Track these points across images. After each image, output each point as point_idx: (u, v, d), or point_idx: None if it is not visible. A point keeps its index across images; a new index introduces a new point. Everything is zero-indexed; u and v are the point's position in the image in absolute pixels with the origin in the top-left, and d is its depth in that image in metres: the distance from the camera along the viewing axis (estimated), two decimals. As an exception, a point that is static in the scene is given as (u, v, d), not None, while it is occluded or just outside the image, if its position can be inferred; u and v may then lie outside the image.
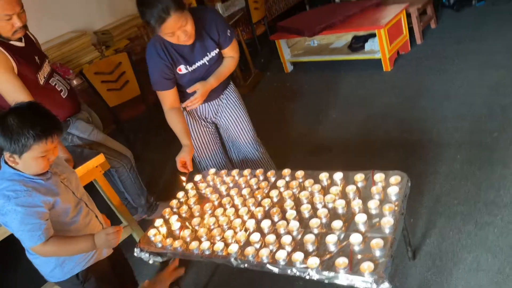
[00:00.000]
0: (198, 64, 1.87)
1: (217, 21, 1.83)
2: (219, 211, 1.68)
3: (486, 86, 2.78)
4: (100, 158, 1.98)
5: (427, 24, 3.96)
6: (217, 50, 1.89)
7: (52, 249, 1.35)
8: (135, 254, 1.70)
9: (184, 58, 1.82)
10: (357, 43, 3.76)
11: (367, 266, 1.22)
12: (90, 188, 2.00)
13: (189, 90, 1.91)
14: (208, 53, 1.86)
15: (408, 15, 3.67)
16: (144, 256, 1.67)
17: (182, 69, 1.85)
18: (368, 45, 3.68)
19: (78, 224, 1.47)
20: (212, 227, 1.62)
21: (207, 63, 1.88)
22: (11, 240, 1.79)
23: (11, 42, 1.86)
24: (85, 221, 1.50)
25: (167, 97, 1.88)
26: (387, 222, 1.33)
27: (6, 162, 1.34)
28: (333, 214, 1.48)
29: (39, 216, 1.31)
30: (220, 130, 2.22)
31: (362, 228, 1.37)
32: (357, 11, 3.74)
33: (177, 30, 1.63)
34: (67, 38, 3.74)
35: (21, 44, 1.91)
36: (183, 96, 1.96)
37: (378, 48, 3.49)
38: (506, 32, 3.41)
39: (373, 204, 1.42)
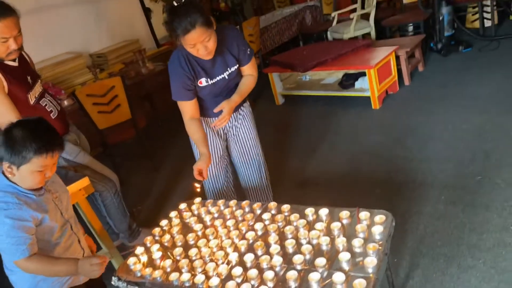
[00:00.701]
0: (218, 78, 1.94)
1: (237, 39, 1.93)
2: (202, 242, 1.65)
3: (470, 130, 2.86)
4: (84, 182, 1.95)
5: (415, 66, 4.10)
6: (237, 65, 1.97)
7: (34, 266, 1.34)
8: (113, 282, 1.65)
9: (206, 71, 1.90)
10: (348, 81, 3.87)
11: (349, 306, 1.20)
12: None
13: (215, 110, 1.98)
14: (228, 68, 1.94)
15: (397, 57, 3.80)
16: (122, 285, 1.62)
17: (203, 81, 1.92)
18: (358, 83, 3.78)
19: (60, 247, 1.45)
20: (194, 258, 1.59)
21: (226, 77, 1.96)
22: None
23: (4, 62, 1.86)
24: (67, 244, 1.49)
25: (187, 108, 1.94)
26: (371, 262, 1.32)
27: (2, 173, 1.34)
28: (317, 251, 1.46)
29: (26, 230, 1.31)
30: (231, 149, 2.25)
31: (345, 266, 1.36)
32: (348, 50, 3.86)
33: (199, 43, 1.72)
34: (62, 59, 3.78)
35: (14, 64, 1.91)
36: (203, 109, 2.04)
37: (367, 86, 3.59)
38: (490, 78, 3.54)
39: (357, 243, 1.42)
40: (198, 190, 1.94)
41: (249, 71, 2.04)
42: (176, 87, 1.91)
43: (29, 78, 1.98)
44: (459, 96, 3.40)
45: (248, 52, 1.98)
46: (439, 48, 4.38)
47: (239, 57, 1.96)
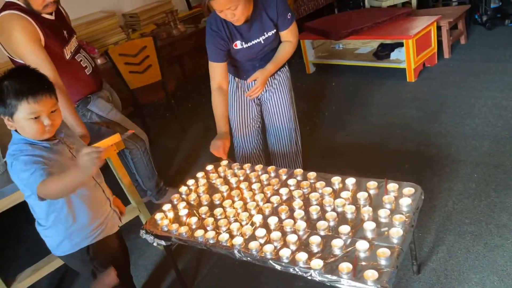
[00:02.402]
0: (254, 42, 1.92)
1: (277, 2, 1.87)
2: (227, 202, 1.68)
3: (510, 108, 2.72)
4: (116, 137, 1.99)
5: (457, 39, 3.89)
6: (275, 30, 1.93)
7: (52, 184, 1.27)
8: (141, 235, 1.71)
9: (241, 35, 1.89)
10: (383, 51, 3.72)
11: (371, 274, 1.20)
12: (103, 166, 2.02)
13: (249, 80, 1.99)
14: (265, 33, 1.91)
15: (439, 28, 3.60)
16: (149, 238, 1.68)
17: (238, 44, 1.91)
18: (394, 54, 3.63)
19: (85, 196, 1.47)
20: (219, 217, 1.62)
21: (262, 42, 1.93)
22: (18, 210, 1.83)
23: (42, 15, 1.88)
24: (91, 193, 1.50)
25: (217, 71, 1.94)
26: (396, 233, 1.31)
27: (16, 130, 1.36)
28: (341, 219, 1.46)
29: (41, 162, 1.30)
30: (264, 112, 2.25)
31: (369, 235, 1.35)
32: (386, 19, 3.69)
33: (225, 10, 1.70)
34: (95, 18, 3.79)
35: (51, 17, 1.93)
36: (237, 71, 2.05)
37: (404, 58, 3.44)
38: (538, 55, 3.33)
39: (383, 213, 1.41)
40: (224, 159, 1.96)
41: (288, 37, 1.98)
42: (209, 47, 1.90)
43: (65, 32, 2.00)
44: (501, 72, 3.22)
45: (288, 17, 1.91)
46: (483, 21, 4.12)
47: (278, 22, 1.91)
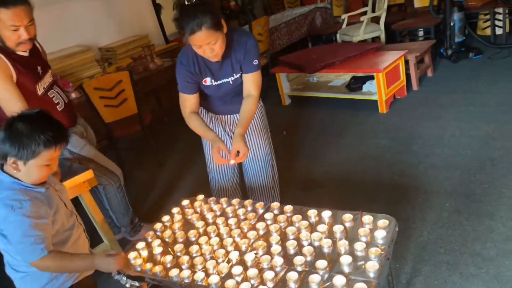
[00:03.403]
0: (223, 80, 1.92)
1: (248, 44, 1.85)
2: (203, 239, 1.65)
3: (477, 137, 2.83)
4: (88, 174, 1.95)
5: (424, 72, 4.07)
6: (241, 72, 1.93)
7: (52, 264, 1.30)
8: (113, 276, 1.65)
9: (212, 72, 1.89)
10: (356, 84, 3.85)
11: (348, 310, 1.19)
12: (75, 203, 1.96)
13: (231, 157, 1.86)
14: (234, 74, 1.92)
15: (406, 62, 3.77)
16: (122, 280, 1.62)
17: (208, 81, 1.92)
18: (366, 87, 3.76)
19: (72, 238, 1.44)
20: (194, 255, 1.59)
21: (231, 82, 1.94)
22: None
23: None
24: (76, 236, 1.47)
25: (188, 102, 1.94)
26: (372, 266, 1.31)
27: (3, 171, 1.31)
28: (318, 253, 1.45)
29: (43, 228, 1.27)
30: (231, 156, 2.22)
31: (346, 270, 1.35)
32: (357, 53, 3.84)
33: (205, 45, 1.70)
34: (71, 52, 3.79)
35: (24, 54, 1.92)
36: (209, 106, 2.07)
37: (375, 90, 3.57)
38: (499, 86, 3.51)
39: (359, 246, 1.41)
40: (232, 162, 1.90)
41: (250, 87, 1.92)
42: (179, 80, 1.91)
43: (39, 68, 1.98)
44: (467, 103, 3.37)
45: (255, 63, 1.89)
46: (449, 54, 4.34)
47: (243, 63, 1.88)
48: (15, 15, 1.75)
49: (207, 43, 1.69)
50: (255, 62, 1.89)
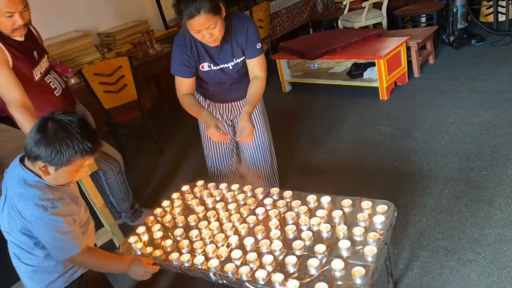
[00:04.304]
0: (223, 65, 1.90)
1: (248, 29, 1.84)
2: (203, 224, 1.66)
3: (477, 125, 2.83)
4: (88, 159, 1.95)
5: (425, 59, 4.04)
6: (243, 57, 1.91)
7: (90, 260, 1.36)
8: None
9: (211, 57, 1.86)
10: (357, 70, 3.82)
11: (346, 293, 1.20)
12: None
13: (238, 137, 1.89)
14: (234, 59, 1.89)
15: (408, 49, 3.74)
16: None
17: (205, 66, 1.88)
18: (367, 73, 3.74)
19: (87, 233, 1.44)
20: (194, 239, 1.60)
21: (231, 68, 1.91)
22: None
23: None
24: (90, 229, 1.48)
25: (183, 84, 1.90)
26: (370, 251, 1.32)
27: (26, 167, 1.28)
28: (317, 238, 1.47)
29: (76, 223, 1.29)
30: (237, 134, 2.22)
31: (344, 254, 1.36)
32: (358, 40, 3.81)
33: (204, 29, 1.68)
34: (70, 37, 3.76)
35: (20, 39, 1.90)
36: (208, 94, 2.03)
37: (376, 77, 3.55)
38: (501, 73, 3.49)
39: (358, 231, 1.42)
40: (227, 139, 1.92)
41: (256, 70, 1.92)
42: (175, 62, 1.87)
43: (35, 53, 1.96)
44: (469, 90, 3.35)
45: (258, 47, 1.88)
46: (451, 41, 4.30)
47: (246, 48, 1.87)
48: (10, 1, 1.72)
49: (206, 28, 1.67)
50: (258, 45, 1.88)
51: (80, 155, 1.22)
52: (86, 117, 1.34)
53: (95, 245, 1.64)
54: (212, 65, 1.89)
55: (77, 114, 1.28)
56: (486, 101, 3.11)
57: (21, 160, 1.31)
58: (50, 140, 1.20)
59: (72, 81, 3.31)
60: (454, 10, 4.16)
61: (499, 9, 4.52)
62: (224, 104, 2.12)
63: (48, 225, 1.24)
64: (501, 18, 4.54)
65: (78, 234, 1.32)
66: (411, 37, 3.73)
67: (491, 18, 4.61)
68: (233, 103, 2.11)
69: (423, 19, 4.70)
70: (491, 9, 4.59)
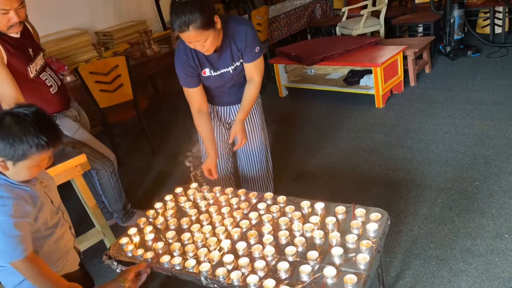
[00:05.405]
0: (223, 70, 1.90)
1: (247, 33, 1.83)
2: (195, 227, 1.65)
3: (472, 135, 2.85)
4: (81, 158, 1.94)
5: (422, 68, 4.07)
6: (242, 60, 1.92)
7: (31, 270, 1.24)
8: (104, 261, 1.65)
9: (211, 63, 1.87)
10: (353, 77, 3.84)
11: (338, 301, 1.19)
12: (67, 187, 1.95)
13: (230, 141, 2.01)
14: (234, 63, 1.89)
15: (405, 57, 3.76)
16: (112, 264, 1.62)
17: (207, 72, 1.89)
18: (363, 81, 3.75)
19: (53, 237, 1.37)
20: (186, 242, 1.59)
21: (231, 71, 1.92)
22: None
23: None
24: (59, 234, 1.41)
25: (193, 96, 1.93)
26: (363, 259, 1.32)
27: None
28: (310, 244, 1.46)
29: (24, 228, 1.23)
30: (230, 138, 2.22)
31: (337, 261, 1.35)
32: (356, 47, 3.82)
33: (194, 42, 1.67)
34: (67, 35, 3.73)
35: (15, 35, 1.88)
36: (208, 96, 2.03)
37: (372, 84, 3.56)
38: (496, 85, 3.52)
39: (350, 239, 1.42)
40: (202, 181, 2.00)
41: (253, 73, 1.92)
42: (181, 75, 1.89)
43: (30, 50, 1.95)
44: (464, 100, 3.38)
45: (256, 50, 1.87)
46: (447, 51, 4.34)
47: (244, 52, 1.87)
48: None
49: (196, 41, 1.66)
50: (257, 49, 1.88)
51: (36, 149, 1.19)
52: (45, 111, 1.27)
53: (79, 250, 1.57)
54: (212, 71, 1.89)
55: (34, 107, 1.24)
56: (481, 111, 3.13)
57: None
58: (4, 135, 1.17)
59: (68, 79, 3.29)
60: (451, 21, 4.20)
61: (496, 21, 4.57)
62: (222, 108, 2.11)
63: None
64: (498, 30, 4.60)
65: (27, 240, 1.24)
66: (408, 46, 3.76)
67: (487, 30, 4.67)
68: (231, 106, 2.11)
69: (420, 29, 4.74)
70: (488, 21, 4.65)
